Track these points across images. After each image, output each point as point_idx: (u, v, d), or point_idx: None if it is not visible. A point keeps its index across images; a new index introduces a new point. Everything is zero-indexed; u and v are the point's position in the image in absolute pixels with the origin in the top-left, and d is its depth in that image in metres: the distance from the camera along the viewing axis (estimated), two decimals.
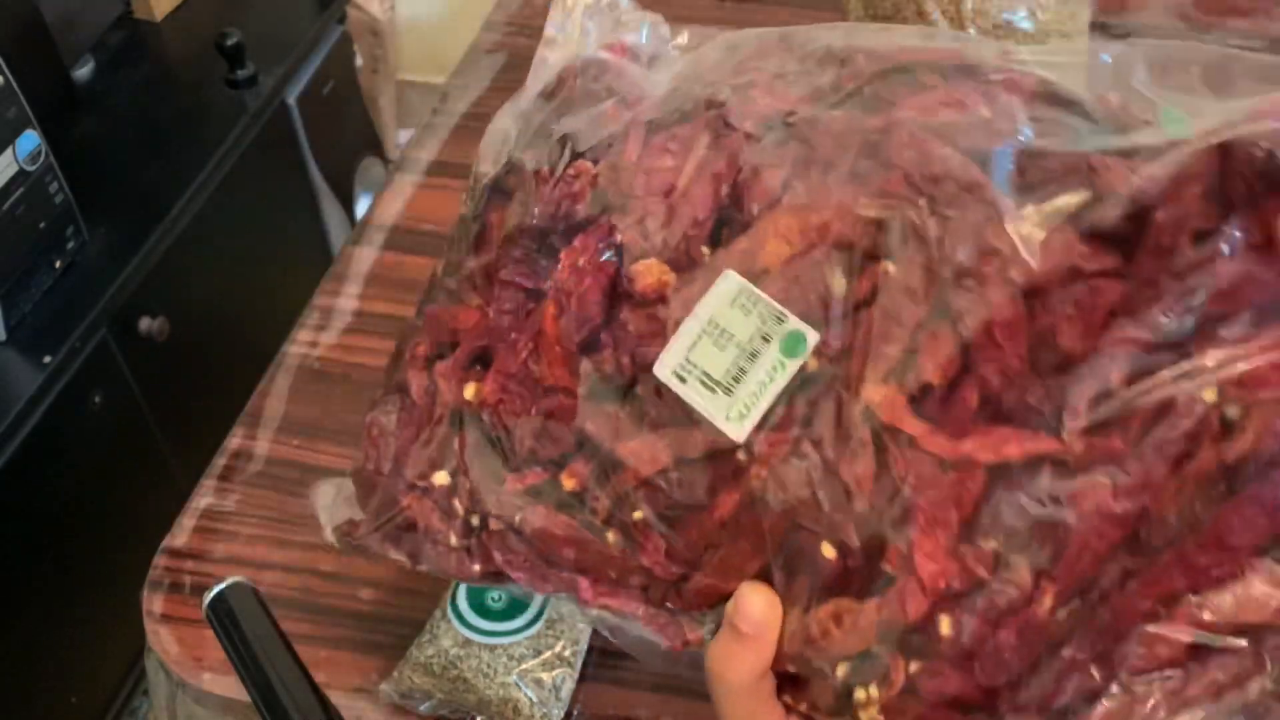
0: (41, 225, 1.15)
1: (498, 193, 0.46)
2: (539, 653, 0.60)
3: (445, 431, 0.46)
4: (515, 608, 0.61)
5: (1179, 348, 0.33)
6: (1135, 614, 0.34)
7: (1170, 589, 0.33)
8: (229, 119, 1.38)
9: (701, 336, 0.39)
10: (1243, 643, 0.33)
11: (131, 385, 1.26)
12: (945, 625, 0.36)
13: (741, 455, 0.39)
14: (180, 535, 0.69)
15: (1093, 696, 0.34)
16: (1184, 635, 0.33)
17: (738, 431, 0.39)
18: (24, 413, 1.11)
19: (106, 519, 1.25)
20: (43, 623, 1.19)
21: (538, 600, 0.61)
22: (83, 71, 1.40)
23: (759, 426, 0.38)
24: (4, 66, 1.08)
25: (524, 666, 0.59)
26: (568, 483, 0.43)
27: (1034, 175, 0.36)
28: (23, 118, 1.11)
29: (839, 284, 0.38)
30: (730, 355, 0.39)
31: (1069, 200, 0.35)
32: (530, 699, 0.58)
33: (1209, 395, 0.32)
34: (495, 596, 0.61)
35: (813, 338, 0.38)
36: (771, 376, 0.38)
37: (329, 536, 0.50)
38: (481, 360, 0.45)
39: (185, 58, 1.47)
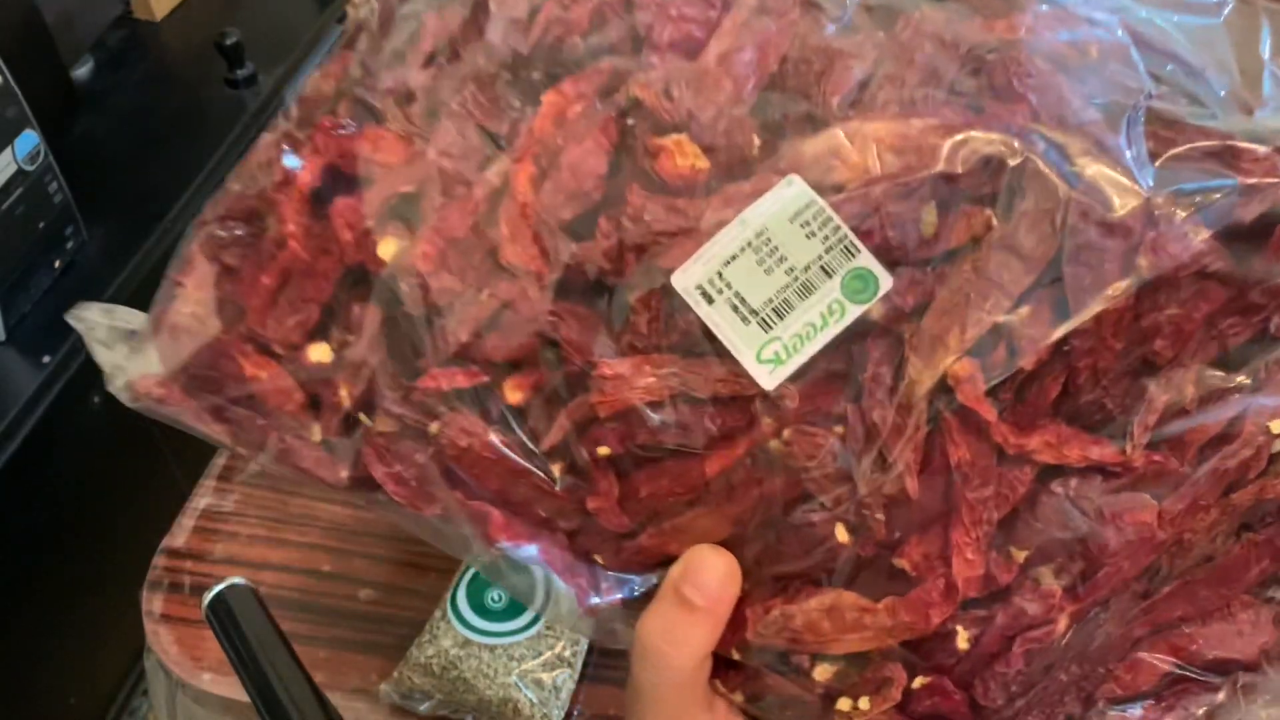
0: (41, 225, 1.15)
1: None
2: (539, 653, 0.59)
3: (335, 292, 0.35)
4: (516, 608, 0.61)
5: (1257, 371, 0.31)
6: (1128, 640, 0.33)
7: (1166, 618, 0.33)
8: (228, 118, 1.37)
9: (744, 251, 0.32)
10: (1217, 679, 0.32)
11: None
12: (963, 639, 0.32)
13: (760, 405, 0.32)
14: (180, 535, 0.69)
15: None
16: (1166, 664, 0.32)
17: (768, 378, 0.32)
18: (23, 413, 1.11)
19: (106, 519, 1.24)
20: (42, 623, 1.19)
21: (539, 596, 0.61)
22: (82, 71, 1.40)
23: (794, 376, 0.32)
24: (3, 66, 1.08)
25: (524, 667, 0.59)
26: (512, 394, 0.34)
27: (1168, 148, 0.31)
28: (22, 117, 1.10)
29: (930, 223, 0.31)
30: (778, 282, 0.32)
31: (1211, 187, 0.31)
32: (530, 699, 0.58)
33: (1276, 428, 0.31)
34: (495, 596, 0.61)
35: (886, 282, 0.31)
36: (825, 320, 0.31)
37: (115, 387, 0.39)
38: (406, 211, 0.34)
39: (185, 57, 1.47)
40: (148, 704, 1.34)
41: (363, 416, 0.35)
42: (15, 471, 1.10)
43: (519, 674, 0.59)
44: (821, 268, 0.32)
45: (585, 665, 0.61)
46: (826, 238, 0.31)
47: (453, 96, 0.34)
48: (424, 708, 0.60)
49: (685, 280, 0.32)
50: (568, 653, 0.60)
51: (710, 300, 0.32)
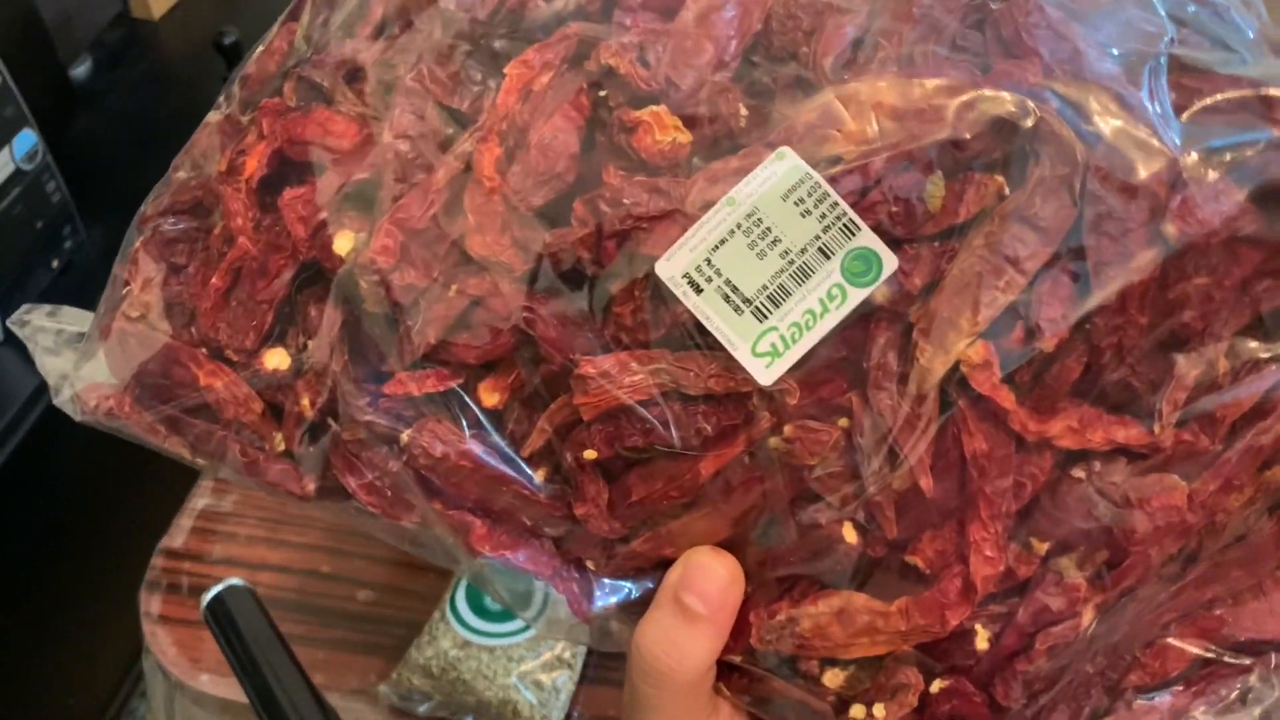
0: (39, 225, 1.15)
1: None
2: (539, 654, 0.59)
3: (289, 292, 0.32)
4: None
5: None
6: (1156, 626, 0.31)
7: (1196, 600, 0.31)
8: None
9: (734, 233, 0.29)
10: (1248, 660, 0.31)
11: None
12: (982, 638, 0.30)
13: (757, 401, 0.30)
14: (178, 536, 0.69)
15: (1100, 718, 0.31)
16: (1195, 648, 0.31)
17: (765, 372, 0.29)
18: (21, 413, 1.10)
19: (104, 520, 1.24)
20: (40, 624, 1.19)
21: (538, 599, 0.61)
22: (80, 70, 1.39)
23: (794, 368, 0.29)
24: (1, 65, 1.08)
25: (523, 668, 0.59)
26: (488, 398, 0.31)
27: (1194, 100, 0.29)
28: (20, 116, 1.10)
29: (936, 195, 0.29)
30: (772, 266, 0.29)
31: (1244, 142, 0.28)
32: (530, 701, 0.58)
33: None
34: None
35: (890, 263, 0.29)
36: (824, 306, 0.29)
37: (61, 400, 0.36)
38: (361, 201, 0.31)
39: (183, 56, 1.47)
40: (146, 705, 1.33)
41: (330, 421, 0.32)
42: (13, 472, 1.10)
43: (518, 675, 0.59)
44: (819, 249, 0.29)
45: (585, 666, 0.61)
46: (823, 215, 0.29)
47: (407, 72, 0.31)
48: (423, 709, 0.60)
49: (671, 268, 0.29)
50: (567, 654, 0.60)
51: (699, 289, 0.29)
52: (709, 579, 0.31)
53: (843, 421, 0.29)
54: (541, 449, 0.31)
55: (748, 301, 0.29)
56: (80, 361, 0.35)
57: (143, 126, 1.36)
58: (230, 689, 0.60)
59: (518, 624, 0.60)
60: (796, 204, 0.29)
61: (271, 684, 0.47)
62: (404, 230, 0.30)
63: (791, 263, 0.29)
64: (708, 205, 0.29)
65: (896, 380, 0.29)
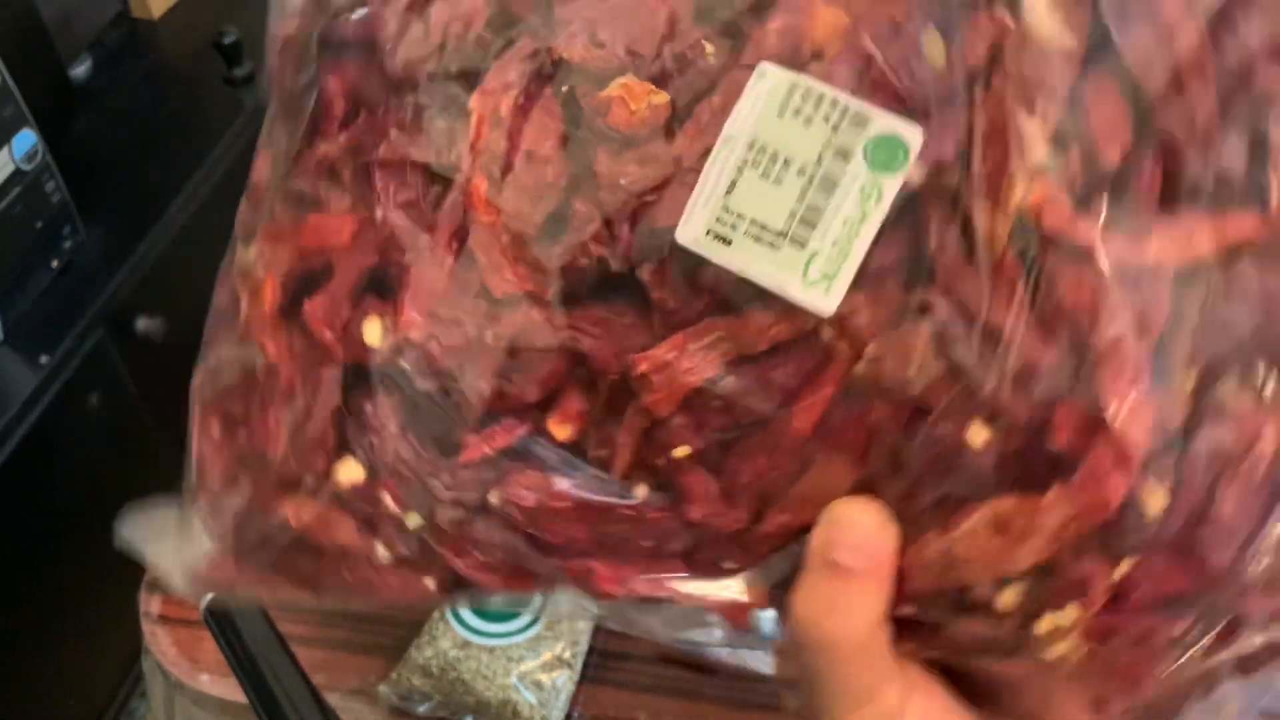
0: (38, 225, 1.15)
1: (330, 48, 0.32)
2: (539, 654, 0.59)
3: (341, 400, 0.32)
4: (515, 609, 0.61)
5: None
6: None
7: None
8: (226, 117, 1.37)
9: (742, 171, 0.27)
10: None
11: (128, 385, 1.25)
12: (1155, 501, 0.26)
13: (828, 332, 0.27)
14: None
15: None
16: None
17: (824, 299, 0.27)
18: (21, 413, 1.10)
19: (103, 520, 1.24)
20: (39, 625, 1.19)
21: (537, 600, 0.61)
22: (80, 70, 1.39)
23: (853, 285, 0.27)
24: (1, 65, 1.08)
25: (523, 668, 0.59)
26: (560, 430, 0.30)
27: None
28: (19, 116, 1.10)
29: (937, 52, 0.26)
30: (792, 189, 0.27)
31: None
32: (530, 701, 0.58)
33: None
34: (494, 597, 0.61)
35: (915, 137, 0.26)
36: (863, 208, 0.27)
37: (185, 591, 0.36)
38: (378, 285, 0.31)
39: (183, 56, 1.47)
40: (146, 705, 1.33)
41: (416, 516, 0.31)
42: (13, 472, 1.10)
43: (518, 675, 0.59)
44: (836, 153, 0.27)
45: (585, 666, 0.60)
46: (827, 117, 0.27)
47: (377, 148, 0.30)
48: (423, 709, 0.60)
49: (691, 231, 0.27)
50: (567, 654, 0.60)
51: (727, 241, 0.27)
52: (855, 530, 0.28)
53: (925, 321, 0.27)
54: (632, 464, 0.30)
55: (781, 234, 0.27)
56: (184, 545, 0.35)
57: (142, 126, 1.36)
58: (230, 689, 0.60)
59: (518, 624, 0.60)
60: (795, 115, 0.27)
61: (271, 684, 0.47)
62: (425, 297, 0.30)
63: (811, 178, 0.27)
64: (705, 153, 0.27)
65: (966, 257, 0.26)
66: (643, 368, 0.28)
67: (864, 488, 0.29)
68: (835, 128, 0.27)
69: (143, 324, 1.23)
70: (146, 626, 0.65)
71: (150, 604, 0.66)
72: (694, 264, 0.27)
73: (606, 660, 0.61)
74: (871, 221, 0.26)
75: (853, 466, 0.29)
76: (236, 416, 0.33)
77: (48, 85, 1.29)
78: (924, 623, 0.29)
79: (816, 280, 0.27)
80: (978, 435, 0.27)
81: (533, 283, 0.29)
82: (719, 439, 0.29)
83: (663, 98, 0.28)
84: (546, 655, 0.59)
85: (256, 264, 0.33)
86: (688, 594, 0.31)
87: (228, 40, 1.37)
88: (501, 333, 0.29)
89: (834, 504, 0.29)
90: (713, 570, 0.31)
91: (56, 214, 1.16)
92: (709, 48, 0.28)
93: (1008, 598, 0.28)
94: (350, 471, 0.31)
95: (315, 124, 0.32)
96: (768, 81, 0.27)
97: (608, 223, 0.28)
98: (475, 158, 0.29)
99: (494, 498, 0.30)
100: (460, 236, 0.29)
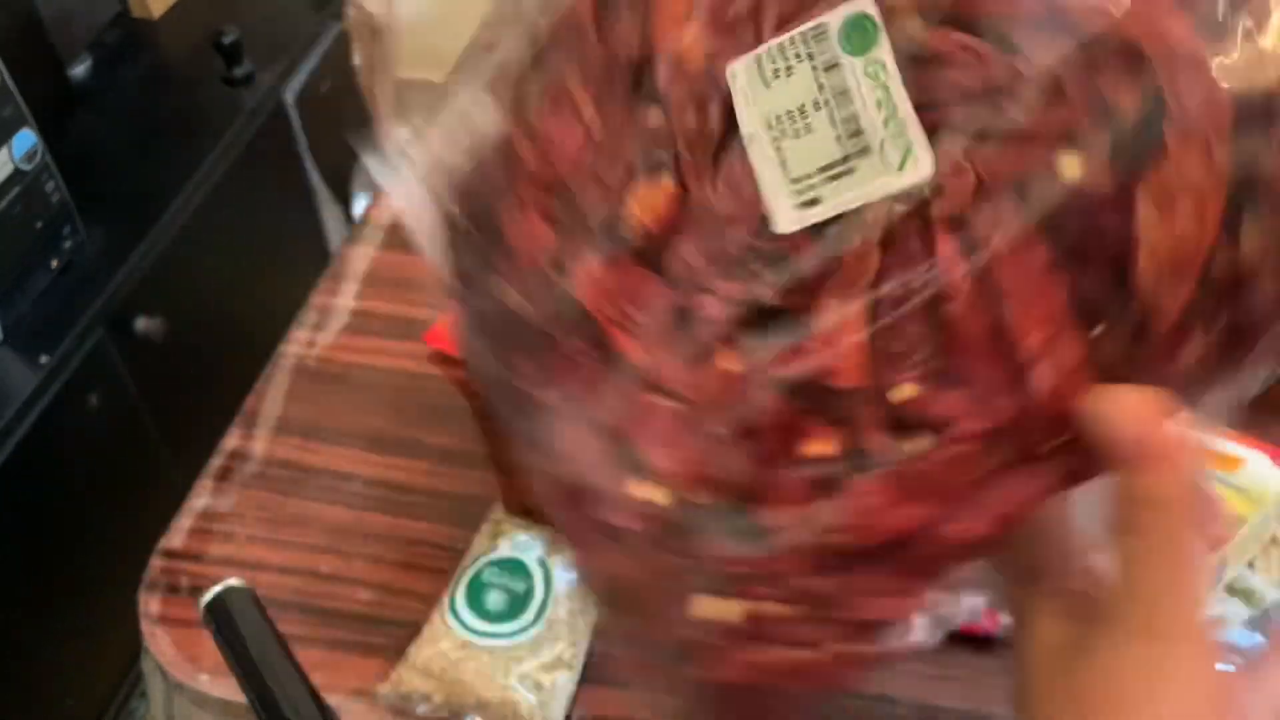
0: (38, 225, 1.14)
1: None
2: (539, 654, 0.59)
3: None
4: (514, 609, 0.60)
5: None
6: None
7: None
8: (226, 117, 1.37)
9: (779, 146, 0.29)
10: None
11: (128, 385, 1.25)
12: (1070, 166, 0.27)
13: (937, 206, 0.28)
14: (177, 536, 0.69)
15: None
16: None
17: (917, 169, 0.28)
18: (20, 413, 1.10)
19: (103, 520, 1.24)
20: (39, 625, 1.19)
21: (537, 601, 0.61)
22: (80, 70, 1.39)
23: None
24: (1, 65, 1.08)
25: (523, 668, 0.59)
26: (816, 447, 0.30)
27: None
28: (19, 116, 1.10)
29: None
30: (823, 123, 0.29)
31: None
32: (530, 701, 0.58)
33: None
34: (494, 598, 0.61)
35: (867, 3, 0.28)
36: (882, 88, 0.28)
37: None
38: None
39: (182, 56, 1.47)
40: (145, 705, 1.33)
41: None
42: (12, 472, 1.10)
43: (518, 675, 0.58)
44: (825, 70, 0.28)
45: (585, 667, 0.60)
46: (797, 55, 0.29)
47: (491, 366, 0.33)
48: (423, 709, 0.59)
49: (784, 219, 0.29)
50: (567, 654, 0.60)
51: (816, 201, 0.29)
52: (1123, 416, 0.27)
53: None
54: (880, 443, 0.29)
55: (846, 159, 0.28)
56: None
57: (142, 126, 1.36)
58: (230, 689, 0.60)
59: (518, 624, 0.60)
60: (776, 76, 0.29)
61: (271, 684, 0.47)
62: (684, 457, 0.30)
63: (827, 103, 0.29)
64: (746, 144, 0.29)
65: (1013, 69, 0.27)
66: (823, 357, 0.29)
67: (1078, 326, 0.28)
68: (809, 56, 0.29)
69: (142, 324, 1.23)
70: (146, 627, 0.65)
71: (149, 604, 0.65)
72: (807, 232, 0.29)
73: (606, 660, 0.61)
74: (897, 91, 0.28)
75: (1053, 308, 0.28)
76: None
77: (47, 85, 1.29)
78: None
79: (898, 161, 0.28)
80: (1071, 167, 0.27)
81: (704, 396, 0.30)
82: (923, 363, 0.28)
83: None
84: (547, 655, 0.59)
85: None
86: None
87: (227, 40, 1.37)
88: (725, 437, 0.30)
89: (1088, 404, 0.27)
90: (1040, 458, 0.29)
91: (56, 214, 1.16)
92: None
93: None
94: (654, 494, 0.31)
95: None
96: (741, 74, 0.29)
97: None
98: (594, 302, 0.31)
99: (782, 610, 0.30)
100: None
